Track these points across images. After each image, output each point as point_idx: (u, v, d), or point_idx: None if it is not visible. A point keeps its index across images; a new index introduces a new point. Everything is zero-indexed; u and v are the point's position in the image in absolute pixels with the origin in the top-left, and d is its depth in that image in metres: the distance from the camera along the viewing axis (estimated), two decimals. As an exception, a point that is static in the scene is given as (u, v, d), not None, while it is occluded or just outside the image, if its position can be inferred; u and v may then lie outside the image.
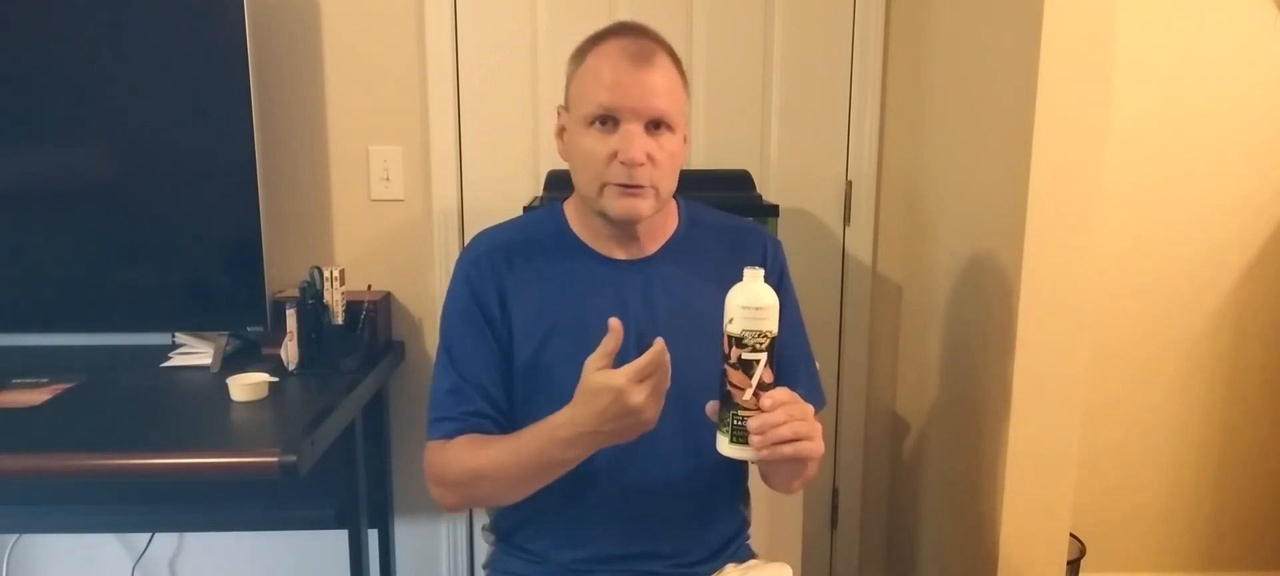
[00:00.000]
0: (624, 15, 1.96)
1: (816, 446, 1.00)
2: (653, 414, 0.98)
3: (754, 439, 0.97)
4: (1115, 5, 1.46)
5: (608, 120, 1.09)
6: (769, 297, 0.97)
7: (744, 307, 0.97)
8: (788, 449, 0.97)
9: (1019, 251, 1.52)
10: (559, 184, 1.76)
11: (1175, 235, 2.17)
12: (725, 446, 1.01)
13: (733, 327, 0.97)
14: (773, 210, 1.75)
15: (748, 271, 0.98)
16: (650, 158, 1.09)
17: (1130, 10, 2.01)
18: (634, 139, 1.08)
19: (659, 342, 0.97)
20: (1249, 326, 2.22)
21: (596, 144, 1.10)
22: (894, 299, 2.19)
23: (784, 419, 0.97)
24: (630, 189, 1.10)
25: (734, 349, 0.97)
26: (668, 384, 0.99)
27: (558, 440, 1.04)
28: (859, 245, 2.13)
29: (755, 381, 0.97)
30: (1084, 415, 1.61)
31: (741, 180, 1.85)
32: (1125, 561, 2.32)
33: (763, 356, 0.97)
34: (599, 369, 0.98)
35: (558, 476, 1.09)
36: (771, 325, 0.97)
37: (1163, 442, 2.27)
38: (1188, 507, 2.31)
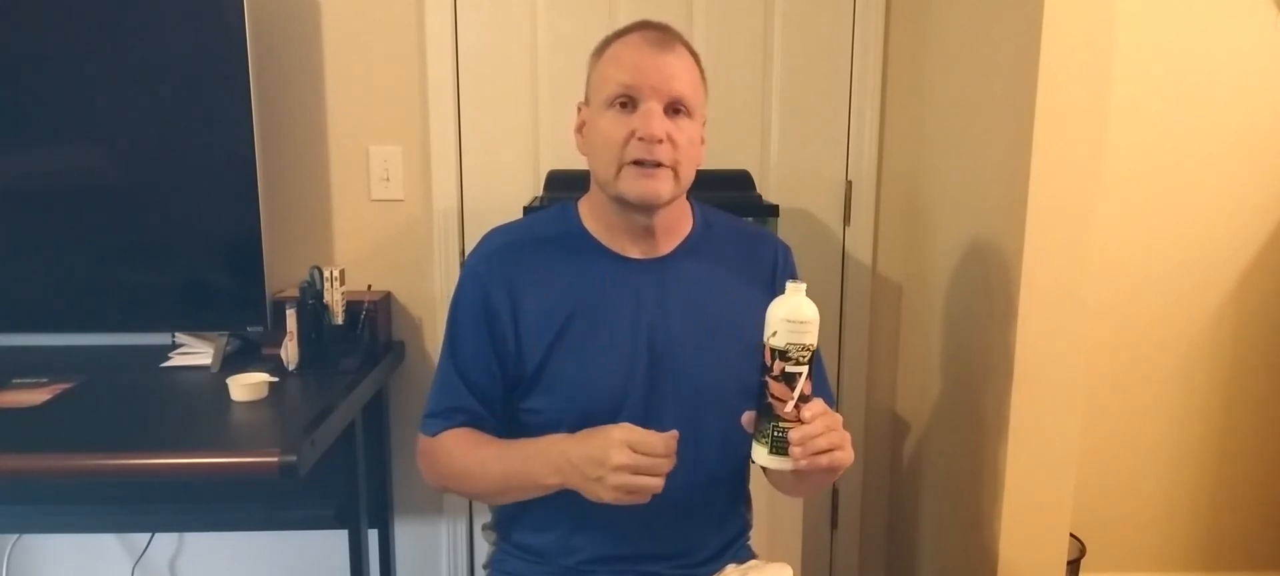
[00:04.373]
0: (624, 15, 1.96)
1: (848, 455, 1.02)
2: (615, 485, 0.99)
3: (794, 450, 0.98)
4: (1115, 6, 1.46)
5: (627, 101, 1.10)
6: (811, 311, 0.98)
7: (788, 321, 0.97)
8: (825, 459, 0.99)
9: (1019, 251, 1.52)
10: (559, 184, 1.76)
11: (1175, 235, 2.17)
12: (764, 457, 1.01)
13: (776, 341, 0.97)
14: (773, 210, 1.75)
15: (790, 284, 0.98)
16: (670, 137, 1.09)
17: (1130, 11, 2.01)
18: (653, 116, 1.09)
19: (674, 434, 1.01)
20: (1249, 326, 2.22)
21: (615, 124, 1.10)
22: (894, 299, 2.19)
23: (822, 429, 0.98)
24: (649, 168, 1.09)
25: (778, 362, 0.97)
26: (656, 484, 1.00)
27: (544, 456, 1.07)
28: (859, 245, 2.13)
29: (797, 394, 0.98)
30: (1084, 415, 1.61)
31: (741, 180, 1.85)
32: (1125, 561, 2.32)
33: (805, 369, 0.98)
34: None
35: (530, 497, 1.13)
36: (813, 338, 0.98)
37: (1163, 442, 2.27)
38: (1188, 507, 2.31)
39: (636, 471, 0.99)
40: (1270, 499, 2.31)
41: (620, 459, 0.98)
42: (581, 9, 1.98)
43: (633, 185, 1.10)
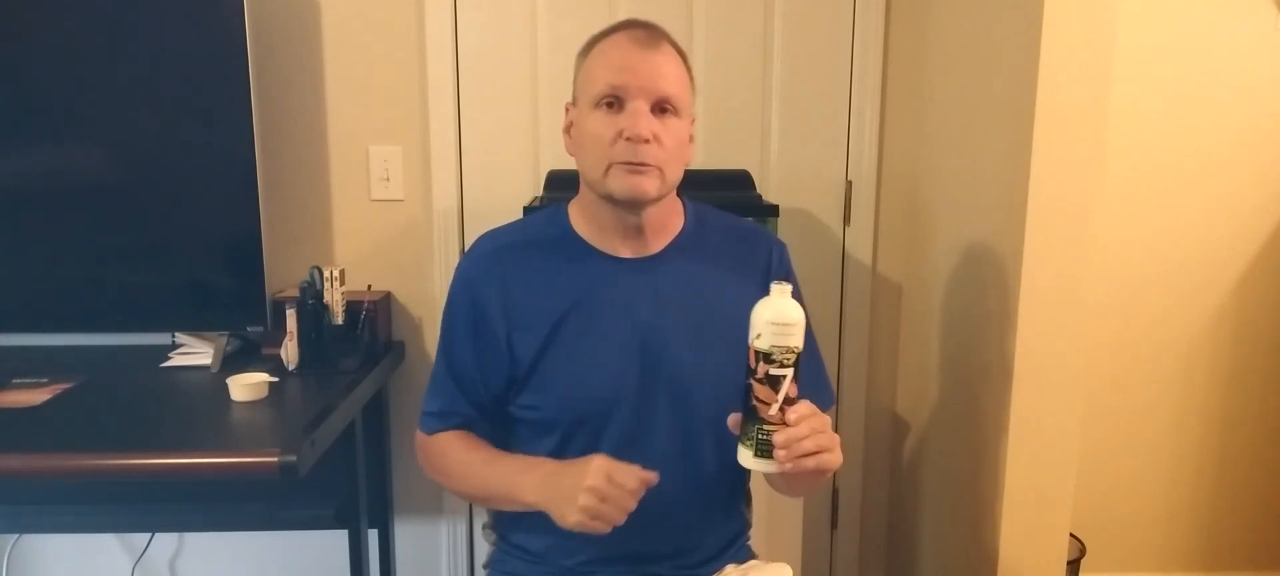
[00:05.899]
0: (624, 15, 1.95)
1: (836, 457, 1.01)
2: (582, 505, 1.00)
3: (779, 453, 0.97)
4: (1115, 6, 1.46)
5: (614, 100, 1.09)
6: (796, 313, 0.97)
7: (772, 323, 0.96)
8: (811, 462, 0.98)
9: (1019, 251, 1.52)
10: (559, 184, 1.76)
11: (1175, 236, 2.17)
12: (749, 460, 1.00)
13: (760, 343, 0.96)
14: (773, 210, 1.75)
15: (774, 287, 0.97)
16: (656, 137, 1.09)
17: (1130, 11, 2.01)
18: (640, 116, 1.08)
19: (653, 475, 1.03)
20: (1249, 326, 2.22)
21: (602, 124, 1.09)
22: (894, 299, 2.19)
23: (807, 432, 0.97)
24: (636, 167, 1.09)
25: (761, 364, 0.96)
26: (618, 516, 1.02)
27: (529, 477, 1.11)
28: (859, 245, 2.13)
29: (781, 397, 0.97)
30: (1084, 415, 1.61)
31: (741, 180, 1.85)
32: (1125, 561, 2.32)
33: (789, 372, 0.96)
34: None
35: (508, 510, 1.19)
36: (798, 341, 0.97)
37: (1163, 442, 2.27)
38: (1188, 507, 2.31)
39: (604, 499, 1.01)
40: (1270, 499, 2.31)
41: (594, 481, 1.00)
42: (581, 9, 1.98)
43: (620, 182, 1.09)
